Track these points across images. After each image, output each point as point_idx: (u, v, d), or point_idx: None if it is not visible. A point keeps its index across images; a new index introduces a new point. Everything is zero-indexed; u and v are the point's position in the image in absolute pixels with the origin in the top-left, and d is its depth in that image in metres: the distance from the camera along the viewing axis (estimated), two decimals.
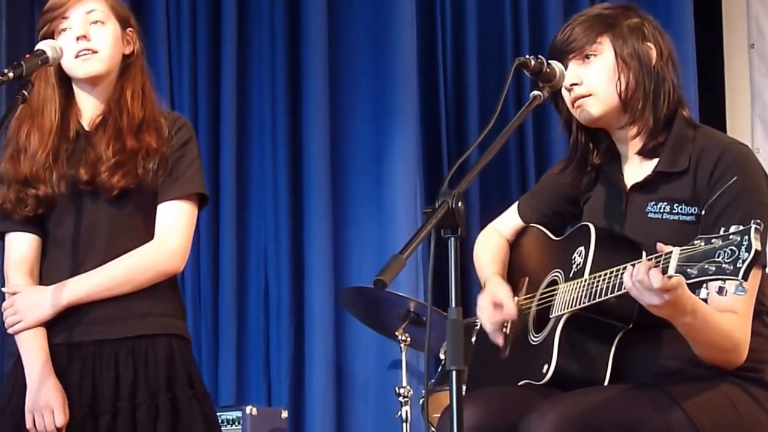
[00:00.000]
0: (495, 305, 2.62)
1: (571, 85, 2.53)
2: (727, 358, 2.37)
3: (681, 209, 2.47)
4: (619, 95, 2.51)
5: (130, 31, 2.94)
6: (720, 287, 2.08)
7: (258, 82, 5.05)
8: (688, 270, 2.09)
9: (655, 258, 2.18)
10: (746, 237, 1.99)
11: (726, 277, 2.01)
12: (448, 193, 2.09)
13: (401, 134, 4.81)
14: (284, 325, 4.83)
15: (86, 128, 2.93)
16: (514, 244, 2.92)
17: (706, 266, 2.06)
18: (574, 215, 2.79)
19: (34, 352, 2.87)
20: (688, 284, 2.14)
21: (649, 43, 2.53)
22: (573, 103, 2.56)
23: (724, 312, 2.32)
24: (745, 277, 1.98)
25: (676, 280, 2.11)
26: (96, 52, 2.82)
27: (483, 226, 3.08)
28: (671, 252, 2.14)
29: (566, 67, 2.53)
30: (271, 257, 4.90)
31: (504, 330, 2.66)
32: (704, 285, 2.14)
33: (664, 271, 2.12)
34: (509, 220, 2.93)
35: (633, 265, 2.24)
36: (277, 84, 4.90)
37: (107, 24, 2.87)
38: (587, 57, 2.54)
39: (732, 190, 2.37)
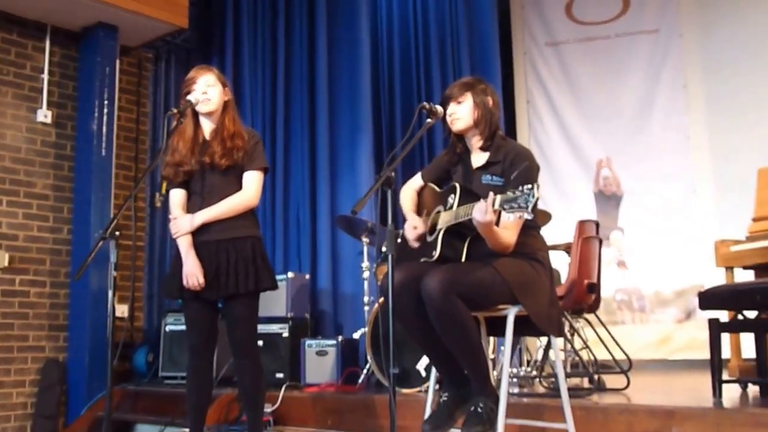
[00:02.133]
0: (414, 227, 3.71)
1: (451, 113, 3.69)
2: (504, 250, 3.45)
3: (497, 179, 3.58)
4: (473, 121, 3.67)
5: (227, 89, 4.17)
6: (519, 215, 3.09)
7: (297, 110, 7.77)
8: (504, 206, 3.06)
9: (489, 200, 3.17)
10: (531, 191, 2.98)
11: (522, 211, 3.02)
12: (386, 169, 3.25)
13: (363, 137, 7.29)
14: (306, 233, 7.51)
15: (207, 138, 4.12)
16: (419, 193, 3.96)
17: (513, 205, 3.04)
18: (447, 179, 3.85)
19: (185, 246, 4.02)
20: (505, 213, 3.10)
21: (488, 97, 3.70)
22: (450, 122, 3.72)
23: (505, 229, 3.39)
24: (532, 210, 2.99)
25: (497, 210, 3.14)
26: (210, 99, 4.06)
27: (403, 184, 4.22)
28: (496, 197, 3.13)
29: (449, 105, 3.70)
30: (300, 200, 7.62)
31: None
32: (508, 213, 3.10)
33: (493, 206, 3.14)
34: (416, 181, 3.98)
35: (477, 203, 3.26)
36: (303, 115, 7.66)
37: (215, 86, 4.09)
38: (459, 102, 3.69)
39: (523, 169, 3.47)
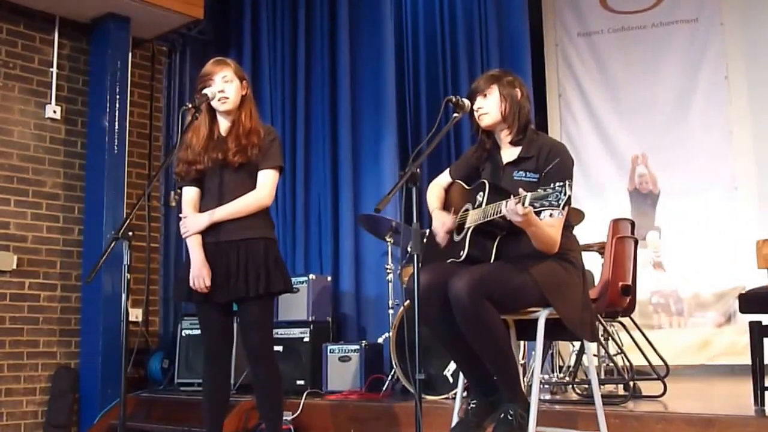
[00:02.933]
0: (443, 224, 3.71)
1: (477, 108, 3.69)
2: (548, 249, 3.42)
3: (530, 175, 3.55)
4: (501, 115, 3.67)
5: (245, 82, 4.17)
6: (550, 213, 3.21)
7: (318, 106, 7.76)
8: (535, 204, 3.07)
9: (519, 198, 3.14)
10: (563, 188, 2.97)
11: (553, 209, 3.04)
12: (411, 165, 3.23)
13: (387, 133, 7.27)
14: (328, 233, 7.49)
15: (223, 134, 4.15)
16: (447, 190, 3.96)
17: (544, 202, 3.03)
18: (476, 177, 3.81)
19: (194, 247, 4.06)
20: (534, 212, 3.14)
21: (517, 89, 3.70)
22: (477, 117, 3.73)
23: (549, 225, 3.36)
24: (564, 208, 3.02)
25: (528, 209, 3.10)
26: (227, 98, 4.07)
27: (429, 183, 4.20)
28: (526, 195, 3.10)
29: (475, 100, 3.70)
30: (322, 199, 7.61)
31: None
32: (542, 212, 3.17)
33: (523, 204, 3.10)
34: (444, 178, 4.00)
35: (507, 201, 3.21)
36: (325, 109, 7.65)
37: (233, 82, 4.10)
38: (485, 95, 3.70)
39: (557, 165, 3.46)
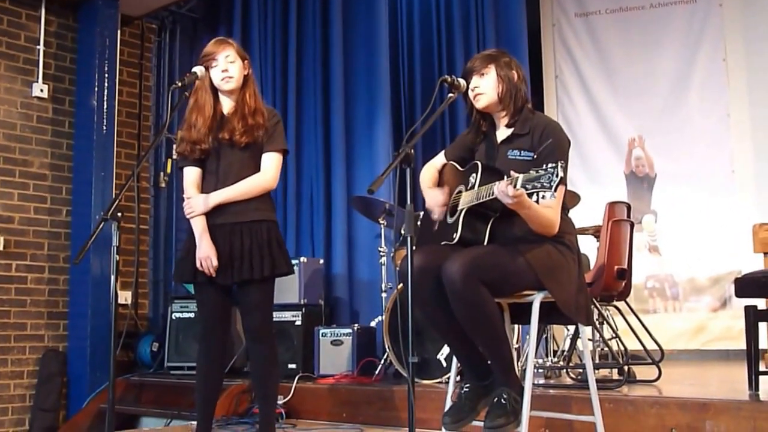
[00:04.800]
0: (436, 201, 3.74)
1: (473, 87, 3.70)
2: (547, 231, 3.44)
3: (525, 154, 3.55)
4: (498, 96, 3.67)
5: (247, 62, 4.23)
6: (543, 196, 3.18)
7: (310, 85, 7.76)
8: (527, 186, 3.08)
9: (510, 180, 3.15)
10: (555, 169, 2.98)
11: (545, 191, 3.03)
12: (405, 146, 3.23)
13: (381, 113, 7.25)
14: (320, 215, 7.48)
15: (227, 114, 4.19)
16: (441, 172, 3.97)
17: (536, 184, 3.04)
18: (471, 158, 3.82)
19: (199, 228, 4.10)
20: (526, 194, 3.14)
21: (513, 71, 3.71)
22: (473, 97, 3.71)
23: (546, 206, 3.36)
24: (555, 190, 3.02)
25: (520, 192, 3.11)
26: (232, 77, 4.14)
27: (423, 165, 4.18)
28: (518, 176, 3.11)
29: (471, 79, 3.70)
30: (314, 180, 7.63)
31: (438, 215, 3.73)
32: (534, 194, 3.16)
33: (515, 186, 3.12)
34: (439, 159, 4.02)
35: (498, 183, 3.23)
36: (317, 88, 7.64)
37: (236, 61, 4.16)
38: (482, 74, 3.70)
39: (551, 144, 3.47)
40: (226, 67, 4.11)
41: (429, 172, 4.01)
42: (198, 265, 4.05)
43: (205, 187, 4.17)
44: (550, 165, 3.02)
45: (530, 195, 3.20)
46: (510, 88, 3.68)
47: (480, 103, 3.73)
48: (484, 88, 3.69)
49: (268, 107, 4.27)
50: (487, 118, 3.82)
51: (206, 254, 4.03)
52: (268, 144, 4.14)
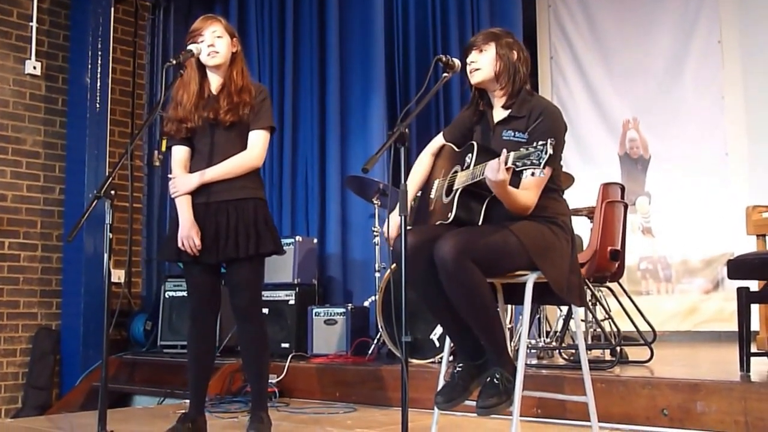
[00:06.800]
0: (394, 227, 3.61)
1: (471, 62, 3.70)
2: (521, 212, 3.46)
3: (519, 135, 3.56)
4: (494, 73, 3.66)
5: (235, 39, 4.20)
6: (532, 173, 3.25)
7: (306, 65, 7.81)
8: (517, 163, 3.13)
9: (502, 158, 3.19)
10: (545, 146, 3.03)
11: (534, 167, 3.09)
12: (400, 125, 3.23)
13: (376, 93, 7.28)
14: (314, 195, 7.53)
15: (214, 92, 4.15)
16: (438, 154, 3.95)
17: (525, 161, 3.09)
18: (470, 137, 3.80)
19: (184, 208, 4.07)
20: (516, 170, 3.18)
21: (514, 51, 3.69)
22: (469, 72, 3.69)
23: (524, 189, 3.40)
24: (544, 168, 3.09)
25: (509, 167, 3.16)
26: (218, 52, 4.10)
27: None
28: (509, 155, 3.16)
29: (470, 54, 3.70)
30: (309, 160, 7.68)
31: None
32: (524, 171, 3.23)
33: (505, 164, 3.17)
34: (437, 141, 4.00)
35: (490, 161, 3.24)
36: (313, 68, 7.67)
37: (223, 37, 4.12)
38: (481, 50, 3.70)
39: (541, 124, 3.48)
40: (212, 41, 4.08)
41: (420, 167, 3.97)
42: (180, 244, 4.03)
43: (195, 166, 4.14)
44: (539, 142, 3.05)
45: (520, 172, 3.22)
46: (508, 67, 3.66)
47: (474, 78, 3.72)
48: (481, 63, 3.68)
49: (256, 83, 4.24)
50: (484, 97, 3.81)
51: (188, 234, 4.01)
52: (255, 122, 4.11)
